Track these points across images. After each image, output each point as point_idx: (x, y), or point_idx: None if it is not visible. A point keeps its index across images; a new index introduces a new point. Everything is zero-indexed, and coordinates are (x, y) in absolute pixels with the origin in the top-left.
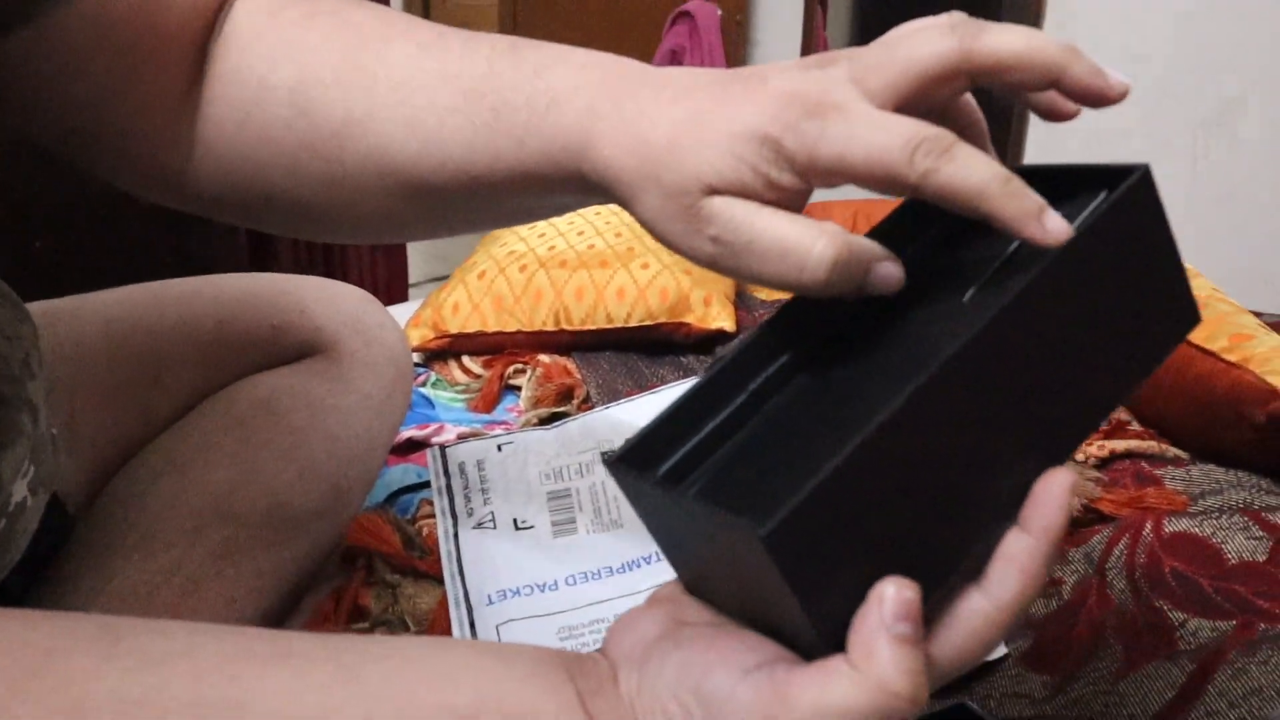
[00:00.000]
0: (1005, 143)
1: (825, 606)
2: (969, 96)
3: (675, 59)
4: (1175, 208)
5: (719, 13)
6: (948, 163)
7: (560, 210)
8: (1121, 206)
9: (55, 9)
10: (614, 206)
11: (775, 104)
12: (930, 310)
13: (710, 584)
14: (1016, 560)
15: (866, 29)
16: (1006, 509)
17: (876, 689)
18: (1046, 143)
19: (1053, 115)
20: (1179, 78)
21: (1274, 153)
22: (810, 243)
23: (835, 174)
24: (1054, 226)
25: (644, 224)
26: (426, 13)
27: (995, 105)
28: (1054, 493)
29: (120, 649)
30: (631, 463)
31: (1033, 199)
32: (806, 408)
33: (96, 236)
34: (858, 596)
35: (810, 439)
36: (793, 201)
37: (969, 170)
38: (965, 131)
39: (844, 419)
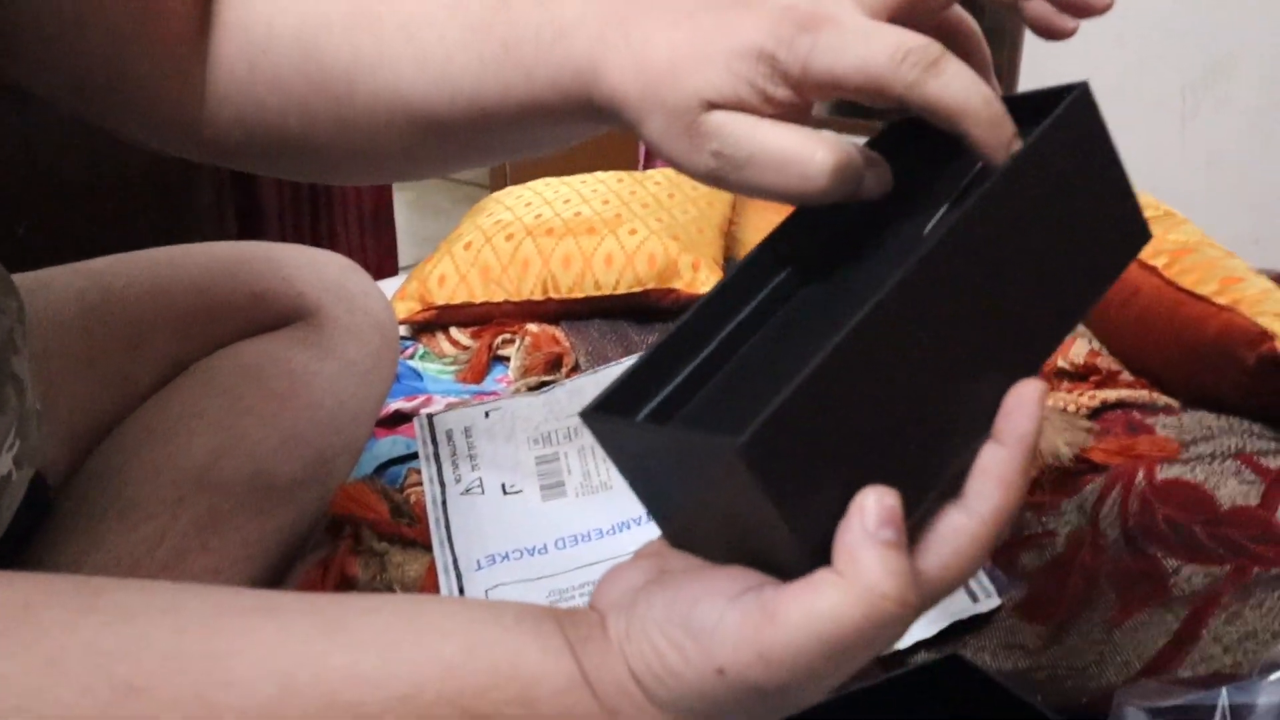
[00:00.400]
0: None
1: (807, 522)
2: (968, 19)
3: None
4: (1164, 167)
5: None
6: (934, 76)
7: (572, 140)
8: (1062, 125)
9: None
10: (600, 174)
11: (771, 20)
12: (898, 236)
13: (693, 531)
14: (993, 472)
15: None
16: (980, 425)
17: (864, 593)
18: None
19: (1049, 31)
20: (1168, 39)
21: (1262, 113)
22: (811, 151)
23: (827, 85)
24: (1008, 150)
25: (650, 145)
26: None
27: None
28: (1025, 402)
29: (99, 603)
30: (607, 412)
31: (1008, 127)
32: (780, 345)
33: (81, 219)
34: (838, 514)
35: (783, 372)
36: (790, 117)
37: (955, 86)
38: (966, 53)
39: (816, 348)
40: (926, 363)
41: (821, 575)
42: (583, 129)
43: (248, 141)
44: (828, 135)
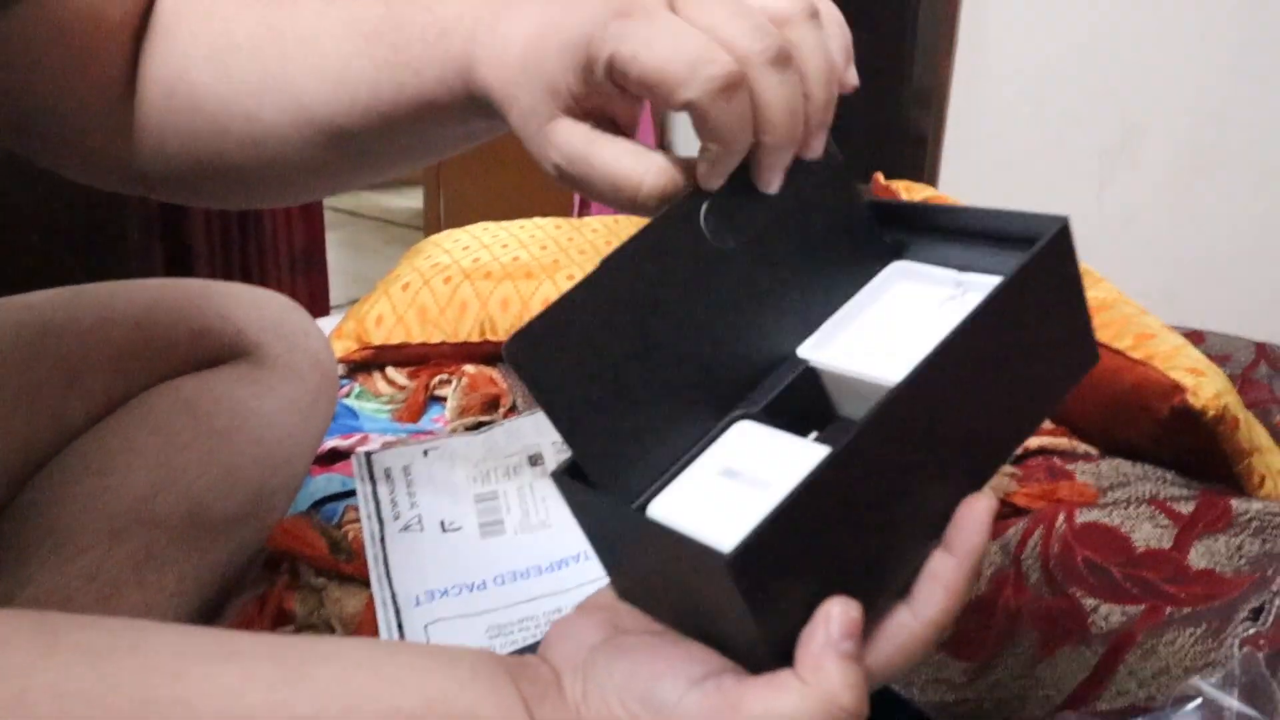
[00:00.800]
0: (922, 165)
1: (775, 623)
2: None
3: None
4: (1080, 229)
5: None
6: (726, 99)
7: (471, 140)
8: (1040, 259)
9: (19, 5)
10: (538, 220)
11: (597, 7)
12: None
13: (649, 594)
14: (942, 579)
15: None
16: (932, 531)
17: (824, 702)
18: (960, 166)
19: (760, 171)
20: (1085, 106)
21: (1173, 178)
22: (640, 176)
23: (630, 73)
24: (710, 184)
25: (517, 133)
26: None
27: (911, 130)
28: (976, 516)
29: (61, 644)
30: (574, 474)
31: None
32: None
33: (6, 256)
34: (803, 613)
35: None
36: (621, 108)
37: (738, 119)
38: None
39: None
40: (894, 480)
41: (785, 678)
42: (477, 126)
43: (170, 170)
44: (658, 159)
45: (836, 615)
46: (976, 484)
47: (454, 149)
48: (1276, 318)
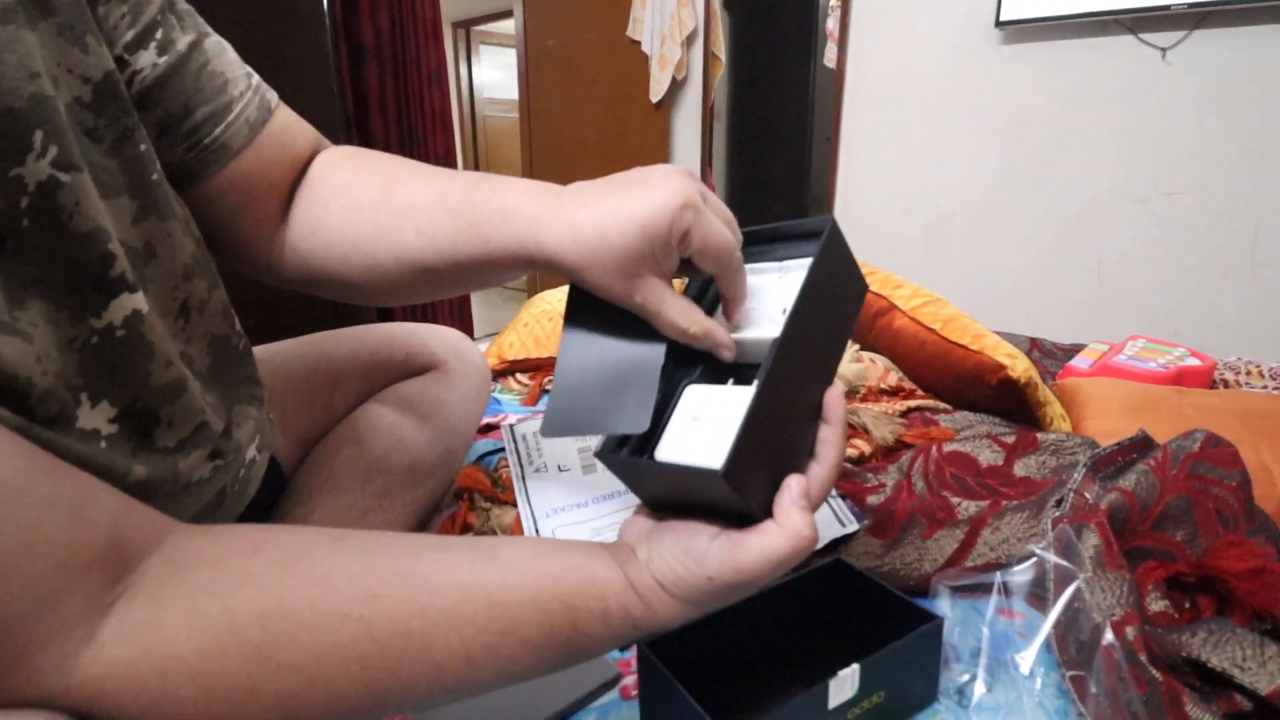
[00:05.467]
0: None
1: (753, 498)
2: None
3: None
4: (917, 272)
5: None
6: (732, 255)
7: (513, 277)
8: (828, 245)
9: (220, 169)
10: None
11: (666, 197)
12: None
13: (667, 503)
14: (830, 441)
15: (735, 198)
16: (814, 415)
17: (794, 536)
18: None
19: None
20: (915, 201)
21: (970, 243)
22: (688, 323)
23: (695, 249)
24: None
25: (592, 287)
26: (475, 148)
27: (807, 197)
28: (837, 398)
29: (347, 544)
30: (605, 448)
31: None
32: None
33: (282, 314)
34: (765, 488)
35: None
36: (670, 269)
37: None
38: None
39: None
40: (790, 394)
41: (769, 525)
42: (519, 273)
43: (307, 276)
44: (699, 316)
45: (794, 484)
46: (828, 381)
47: (498, 284)
48: (1040, 322)
